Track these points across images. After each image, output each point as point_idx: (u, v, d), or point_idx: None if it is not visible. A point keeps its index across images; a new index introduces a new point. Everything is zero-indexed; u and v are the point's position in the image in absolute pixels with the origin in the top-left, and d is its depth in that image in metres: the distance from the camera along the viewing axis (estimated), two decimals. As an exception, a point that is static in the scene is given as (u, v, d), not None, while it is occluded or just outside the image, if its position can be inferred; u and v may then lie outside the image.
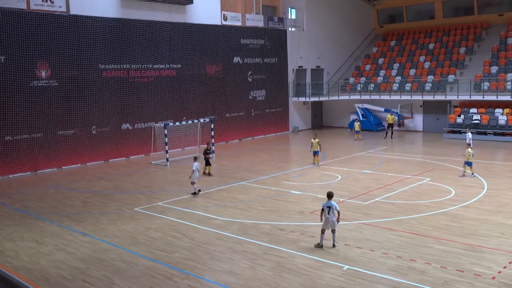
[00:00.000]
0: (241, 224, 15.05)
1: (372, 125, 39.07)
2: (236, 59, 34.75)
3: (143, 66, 28.81)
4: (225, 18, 33.76)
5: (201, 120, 28.58)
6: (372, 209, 16.50)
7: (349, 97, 40.16)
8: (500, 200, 17.24)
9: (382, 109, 38.68)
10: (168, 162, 25.38)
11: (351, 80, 42.11)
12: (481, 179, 20.61)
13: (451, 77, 36.99)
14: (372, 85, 40.12)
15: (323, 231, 12.81)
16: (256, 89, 36.32)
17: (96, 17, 26.28)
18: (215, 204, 17.70)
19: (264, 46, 36.64)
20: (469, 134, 26.87)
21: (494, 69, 35.57)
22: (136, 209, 17.18)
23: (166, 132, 25.40)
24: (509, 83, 33.56)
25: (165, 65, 29.98)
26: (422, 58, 40.50)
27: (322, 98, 40.70)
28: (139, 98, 28.69)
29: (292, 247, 12.92)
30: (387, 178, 21.23)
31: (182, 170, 23.69)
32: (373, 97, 39.24)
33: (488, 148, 29.36)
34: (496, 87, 33.87)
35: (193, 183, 18.82)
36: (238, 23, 34.67)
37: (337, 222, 12.81)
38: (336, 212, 12.66)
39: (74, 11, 25.60)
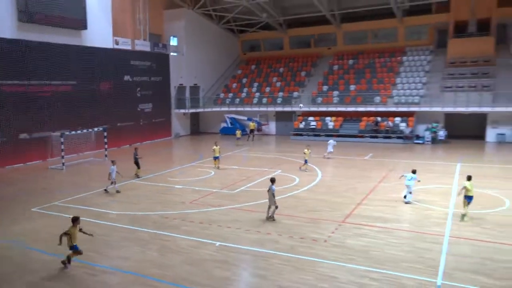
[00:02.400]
0: (132, 216, 14.43)
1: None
2: (127, 77, 33.17)
3: (42, 82, 26.09)
4: (117, 43, 32.03)
5: (95, 129, 26.81)
6: (239, 196, 16.87)
7: (220, 108, 40.76)
8: (329, 185, 18.71)
9: (246, 118, 39.83)
10: (64, 166, 23.33)
11: (222, 95, 42.73)
12: (317, 169, 22.27)
13: (295, 94, 39.42)
14: (238, 99, 41.19)
15: (269, 206, 13.63)
16: (144, 102, 35.04)
17: (-4, 37, 23.31)
18: (110, 200, 16.69)
19: (150, 67, 35.51)
20: (332, 141, 26.19)
21: (325, 88, 38.64)
22: (33, 209, 15.37)
23: (62, 140, 23.38)
24: (335, 98, 36.79)
25: (62, 82, 27.49)
26: (274, 79, 42.49)
27: (198, 110, 40.73)
28: (38, 110, 25.96)
29: (175, 231, 12.73)
30: (250, 171, 21.84)
31: (78, 173, 22.05)
32: (238, 108, 40.24)
33: (322, 146, 31.74)
34: (326, 101, 36.91)
35: (112, 182, 17.61)
36: (128, 47, 33.13)
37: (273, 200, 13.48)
38: (269, 193, 13.52)
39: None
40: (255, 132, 37.14)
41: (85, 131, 26.01)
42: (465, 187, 13.40)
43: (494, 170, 21.63)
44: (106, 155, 26.03)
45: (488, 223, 12.95)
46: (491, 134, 32.18)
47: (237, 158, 26.72)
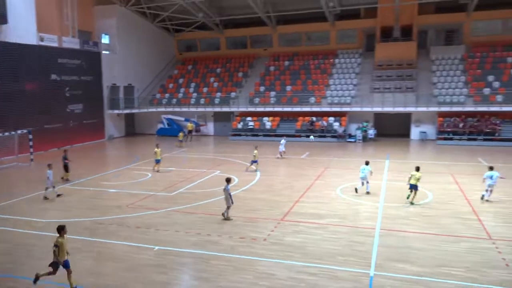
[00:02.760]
0: (63, 224, 13.58)
1: (176, 131, 39.22)
2: (54, 76, 31.20)
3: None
4: (42, 39, 30.02)
5: (18, 132, 24.95)
6: (177, 198, 16.59)
7: (156, 109, 39.79)
8: (268, 184, 19.02)
9: (183, 119, 39.30)
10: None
11: (158, 95, 41.77)
12: (255, 168, 22.54)
13: (233, 94, 39.59)
14: (175, 99, 40.48)
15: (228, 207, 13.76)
16: (73, 102, 33.17)
17: None
18: (37, 208, 15.62)
19: (80, 65, 33.67)
20: (283, 141, 26.62)
21: (262, 88, 39.24)
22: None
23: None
24: (273, 98, 37.49)
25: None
26: (212, 79, 42.35)
27: (133, 110, 39.39)
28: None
29: (111, 237, 12.22)
30: (188, 173, 21.57)
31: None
32: (175, 109, 39.58)
33: (261, 146, 32.22)
34: (263, 102, 37.49)
35: (47, 188, 16.54)
36: (55, 44, 31.20)
37: (230, 200, 13.64)
38: (225, 192, 13.66)
39: None
40: (193, 133, 36.76)
41: (7, 134, 24.11)
42: (412, 176, 15.32)
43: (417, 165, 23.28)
44: (32, 159, 24.34)
45: (414, 215, 13.94)
46: (415, 132, 34.65)
47: (175, 159, 26.26)
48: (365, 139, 33.73)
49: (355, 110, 34.71)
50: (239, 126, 37.05)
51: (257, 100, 37.75)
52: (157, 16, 41.61)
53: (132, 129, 42.17)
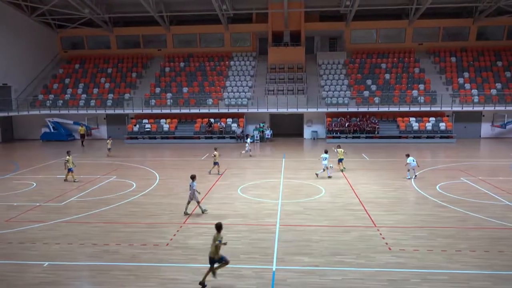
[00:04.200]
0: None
1: (63, 135, 36.36)
2: None
3: None
4: None
5: None
6: (68, 208, 15.28)
7: (40, 112, 36.16)
8: (169, 187, 18.58)
9: (71, 122, 36.42)
10: None
11: (41, 97, 38.02)
12: (154, 172, 21.86)
13: (127, 95, 37.84)
14: (61, 101, 37.27)
15: (188, 202, 14.35)
16: None
17: None
18: None
19: None
20: (248, 140, 27.80)
21: (158, 90, 38.19)
22: None
23: None
24: (169, 100, 36.68)
25: None
26: (103, 80, 39.95)
27: (11, 113, 35.12)
28: None
29: (-12, 257, 10.80)
30: (80, 180, 20.05)
31: None
32: (62, 112, 36.46)
33: (159, 149, 31.37)
34: (160, 103, 36.50)
35: None
36: None
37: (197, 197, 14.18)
38: (190, 190, 14.08)
39: None
40: (86, 137, 34.34)
41: None
42: (338, 152, 21.17)
43: (311, 163, 24.85)
44: None
45: (309, 210, 14.84)
46: (307, 132, 36.95)
47: (63, 166, 24.11)
48: (262, 139, 34.95)
49: (252, 112, 35.76)
50: (135, 128, 35.56)
51: (153, 101, 36.63)
52: (36, 10, 37.82)
53: (10, 134, 37.74)
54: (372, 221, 13.47)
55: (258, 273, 9.79)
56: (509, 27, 39.55)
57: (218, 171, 21.38)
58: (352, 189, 17.84)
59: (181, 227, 13.07)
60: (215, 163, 21.29)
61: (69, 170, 19.91)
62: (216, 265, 9.37)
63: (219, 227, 9.35)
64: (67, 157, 20.06)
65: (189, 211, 14.41)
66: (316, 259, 10.49)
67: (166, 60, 41.98)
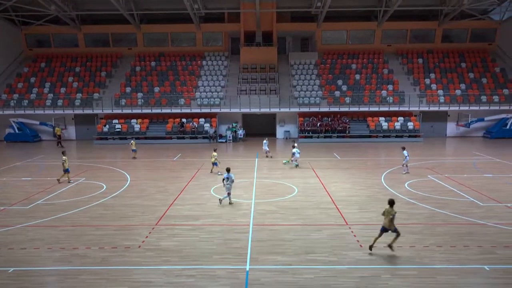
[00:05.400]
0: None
1: (29, 136, 35.15)
2: None
3: None
4: None
5: None
6: (34, 211, 14.78)
7: (3, 112, 34.82)
8: (140, 188, 18.26)
9: (38, 122, 35.25)
10: None
11: (4, 96, 36.57)
12: (125, 173, 21.44)
13: (96, 95, 36.95)
14: (26, 101, 35.97)
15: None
16: None
17: None
18: None
19: None
20: (265, 141, 26.79)
21: (128, 89, 37.47)
22: None
23: None
24: (140, 100, 36.07)
25: None
26: (70, 79, 38.84)
27: (-28, 114, 33.77)
28: None
29: (-52, 264, 10.30)
30: (48, 182, 19.43)
31: None
32: (27, 112, 35.21)
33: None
34: (130, 103, 35.84)
35: None
36: None
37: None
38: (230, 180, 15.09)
39: None
40: (51, 138, 33.34)
41: None
42: (294, 147, 22.74)
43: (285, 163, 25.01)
44: None
45: (283, 209, 14.92)
46: (280, 131, 37.15)
47: (30, 167, 23.38)
48: (235, 139, 34.88)
49: (224, 111, 35.62)
50: (105, 129, 34.75)
51: (123, 101, 35.91)
52: (-1, 6, 36.33)
53: (-29, 135, 36.16)
54: (344, 219, 13.69)
55: (232, 273, 9.77)
56: (473, 30, 41.07)
57: (218, 171, 21.18)
58: (324, 188, 18.07)
59: (153, 228, 12.87)
60: (214, 164, 21.25)
61: (66, 171, 19.41)
62: (389, 234, 10.70)
63: (392, 202, 10.68)
64: (64, 157, 19.52)
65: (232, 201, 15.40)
66: (290, 258, 10.57)
67: (136, 59, 41.25)
